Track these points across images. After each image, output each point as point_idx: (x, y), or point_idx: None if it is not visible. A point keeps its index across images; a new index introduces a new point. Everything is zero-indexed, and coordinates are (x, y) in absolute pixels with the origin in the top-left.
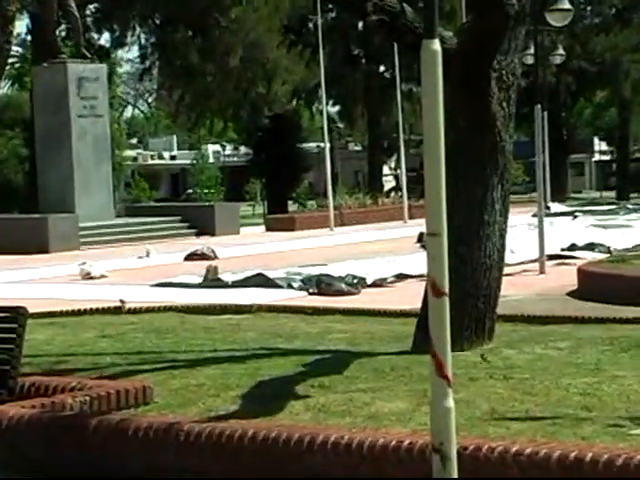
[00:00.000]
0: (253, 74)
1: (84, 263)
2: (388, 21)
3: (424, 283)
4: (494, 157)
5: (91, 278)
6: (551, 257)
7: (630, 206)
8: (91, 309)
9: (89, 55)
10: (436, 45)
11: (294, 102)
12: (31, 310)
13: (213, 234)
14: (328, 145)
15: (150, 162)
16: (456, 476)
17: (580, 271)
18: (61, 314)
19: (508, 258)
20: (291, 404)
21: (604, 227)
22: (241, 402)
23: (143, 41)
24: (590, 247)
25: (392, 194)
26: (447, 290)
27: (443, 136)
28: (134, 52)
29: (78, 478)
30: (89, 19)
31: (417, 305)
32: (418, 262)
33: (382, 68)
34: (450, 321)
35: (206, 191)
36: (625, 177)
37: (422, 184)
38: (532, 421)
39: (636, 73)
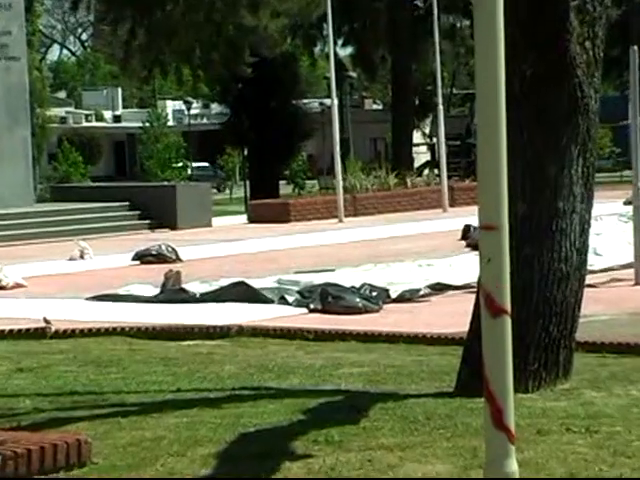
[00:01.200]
0: (232, 1)
1: None
2: None
3: (473, 297)
4: (573, 119)
5: (1, 288)
6: None
7: None
8: (2, 332)
9: None
10: None
11: (289, 42)
12: None
13: (174, 227)
14: (336, 102)
15: (85, 125)
16: None
17: None
18: None
19: (591, 262)
20: (286, 466)
21: None
22: (215, 463)
23: None
24: None
25: (426, 172)
26: (509, 307)
27: (503, 91)
28: None
29: None
30: None
31: (462, 328)
32: (463, 267)
33: None
34: (512, 350)
35: (162, 166)
36: None
37: (469, 157)
38: None
39: None
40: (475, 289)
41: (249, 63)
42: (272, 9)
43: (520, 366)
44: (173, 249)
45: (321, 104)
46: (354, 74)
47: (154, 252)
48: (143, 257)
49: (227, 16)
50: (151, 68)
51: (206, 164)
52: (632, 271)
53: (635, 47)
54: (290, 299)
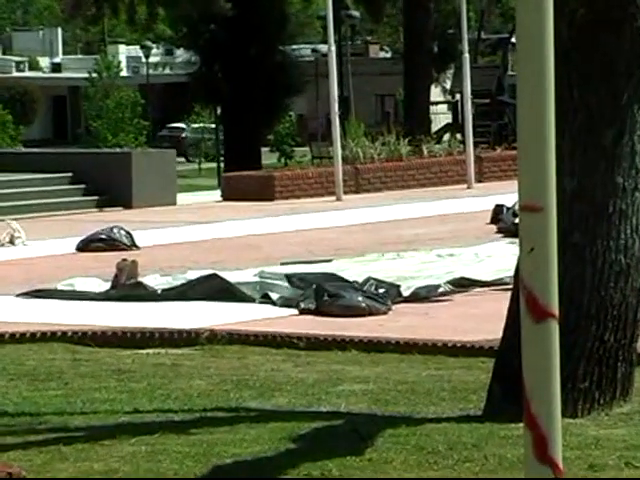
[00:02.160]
0: None
1: None
2: None
3: (506, 296)
4: (637, 73)
5: None
6: None
7: None
8: None
9: None
10: None
11: None
12: None
13: (129, 205)
14: (334, 49)
15: (15, 75)
16: None
17: None
18: None
19: None
20: None
21: None
22: None
23: None
24: None
25: (447, 137)
26: (556, 309)
27: (552, 37)
28: None
29: None
30: None
31: (494, 335)
32: (494, 258)
33: None
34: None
35: (113, 128)
36: None
37: (502, 120)
38: None
39: None
40: (510, 286)
41: None
42: None
43: (568, 384)
44: (128, 233)
45: (314, 51)
46: (356, 13)
47: (103, 237)
48: (90, 243)
49: None
50: (101, 4)
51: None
52: None
53: None
54: (275, 297)
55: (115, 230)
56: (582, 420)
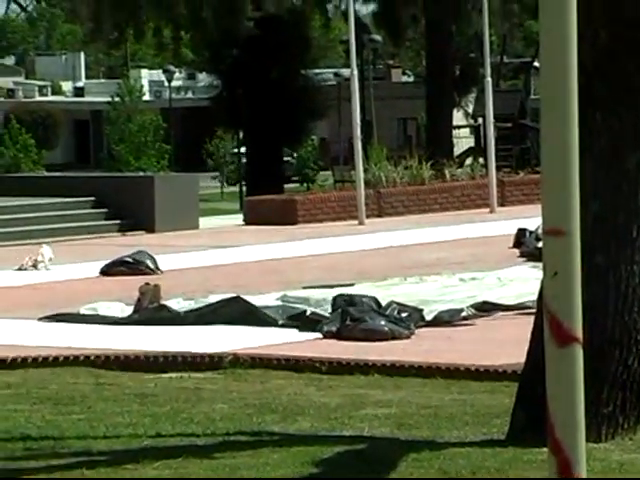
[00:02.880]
0: None
1: None
2: None
3: (529, 320)
4: None
5: None
6: None
7: None
8: None
9: None
10: None
11: None
12: None
13: (152, 229)
14: (356, 73)
15: (38, 99)
16: None
17: None
18: None
19: None
20: None
21: None
22: None
23: None
24: None
25: (469, 161)
26: (580, 334)
27: (575, 60)
28: None
29: None
30: None
31: (517, 359)
32: (517, 282)
33: None
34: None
35: (136, 152)
36: None
37: (524, 143)
38: None
39: None
40: (533, 310)
41: (253, 18)
42: None
43: (591, 408)
44: (151, 257)
45: (337, 75)
46: (378, 37)
47: (128, 260)
48: (113, 267)
49: None
50: (123, 28)
51: None
52: None
53: None
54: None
55: (138, 254)
56: (606, 445)
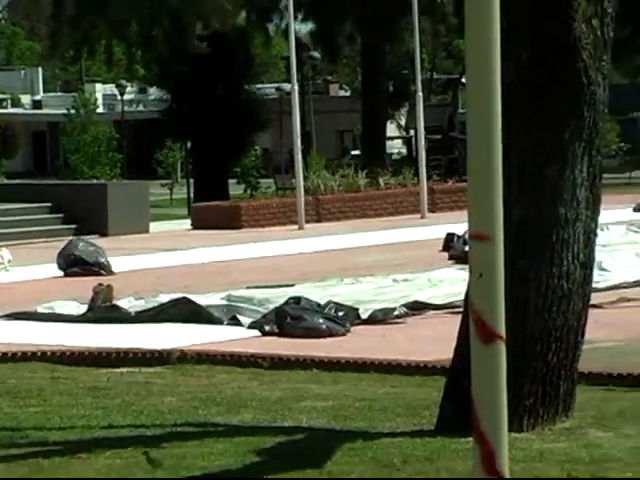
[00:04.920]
0: None
1: None
2: None
3: (457, 318)
4: (577, 111)
5: None
6: None
7: None
8: None
9: None
10: None
11: (242, 16)
12: None
13: (105, 233)
14: (296, 88)
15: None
16: None
17: None
18: None
19: (597, 279)
20: None
21: None
22: None
23: None
24: None
25: (402, 170)
26: (503, 331)
27: (499, 77)
28: None
29: None
30: None
31: (445, 355)
32: (445, 283)
33: None
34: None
35: (90, 161)
36: None
37: (452, 154)
38: None
39: None
40: (461, 309)
41: (200, 37)
42: None
43: (513, 401)
44: (104, 259)
45: (278, 89)
46: (317, 55)
47: (80, 262)
48: (68, 268)
49: None
50: (79, 46)
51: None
52: None
53: None
54: (243, 319)
55: (92, 256)
56: (527, 435)
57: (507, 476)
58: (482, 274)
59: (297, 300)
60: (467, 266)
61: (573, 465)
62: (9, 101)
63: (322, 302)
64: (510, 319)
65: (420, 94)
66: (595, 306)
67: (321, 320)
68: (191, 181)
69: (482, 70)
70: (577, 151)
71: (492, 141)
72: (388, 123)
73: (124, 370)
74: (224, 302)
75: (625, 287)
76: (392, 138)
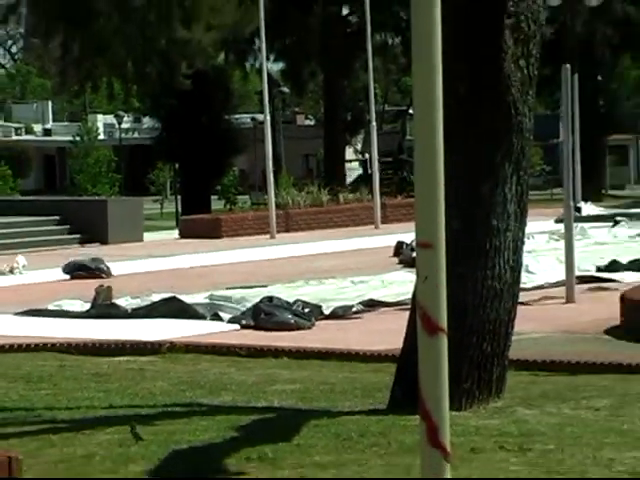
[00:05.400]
0: (165, 14)
1: None
2: None
3: (405, 314)
4: (507, 137)
5: None
6: (583, 279)
7: None
8: None
9: None
10: None
11: (222, 56)
12: None
13: (105, 241)
14: (268, 117)
15: (14, 138)
16: None
17: (624, 299)
18: None
19: (524, 280)
20: None
21: None
22: None
23: None
24: (638, 266)
25: (359, 188)
26: (445, 325)
27: (441, 108)
28: None
29: None
30: None
31: (396, 345)
32: (396, 284)
33: (345, 10)
34: None
35: (92, 180)
36: None
37: (401, 174)
38: None
39: None
40: (408, 306)
41: (185, 75)
42: (205, 23)
43: (453, 384)
44: (104, 264)
45: (253, 119)
46: (286, 89)
47: (85, 267)
48: (73, 272)
49: (160, 30)
50: (83, 82)
51: None
52: (563, 289)
53: (568, 65)
54: (223, 315)
55: (94, 261)
56: (465, 413)
57: (448, 448)
58: (427, 277)
59: (270, 299)
60: (414, 270)
61: (504, 438)
62: (23, 129)
63: (291, 300)
64: (451, 315)
65: (374, 123)
66: (523, 303)
67: (290, 316)
68: (179, 197)
69: (426, 102)
70: (507, 172)
71: (435, 163)
72: (347, 148)
73: (122, 359)
74: (207, 301)
75: (548, 287)
76: (350, 161)
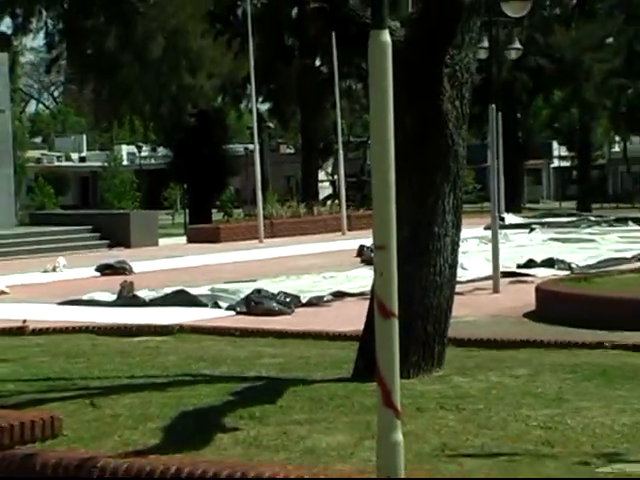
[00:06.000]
0: (175, 65)
1: None
2: (329, 9)
3: (365, 302)
4: (445, 162)
5: None
6: (506, 274)
7: (592, 218)
8: None
9: None
10: (386, 36)
11: (220, 98)
12: None
13: (128, 246)
14: (257, 147)
15: (56, 164)
16: None
17: (538, 290)
18: None
19: (460, 275)
20: (218, 437)
21: (564, 241)
22: (162, 435)
23: (50, 27)
24: (549, 264)
25: (329, 202)
26: (397, 311)
27: (393, 138)
28: (39, 40)
29: None
30: None
31: (357, 327)
32: (359, 279)
33: (318, 62)
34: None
35: (118, 198)
36: (586, 186)
37: (362, 191)
38: (488, 457)
39: (599, 72)
40: (368, 296)
41: (189, 114)
42: (207, 72)
43: (403, 358)
44: (127, 263)
45: (245, 148)
46: (271, 125)
47: (112, 266)
48: (103, 270)
49: (171, 78)
50: (110, 120)
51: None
52: (490, 282)
53: (493, 105)
54: (221, 304)
55: (119, 261)
56: (413, 381)
57: (399, 408)
58: (382, 272)
59: (258, 291)
60: (373, 267)
61: (443, 400)
62: (63, 157)
63: (275, 292)
64: (401, 302)
65: (341, 151)
66: (458, 293)
67: (274, 304)
68: (186, 210)
69: (381, 135)
70: (445, 190)
71: (388, 183)
72: (319, 171)
73: (141, 339)
74: (209, 292)
75: (478, 280)
76: (322, 181)
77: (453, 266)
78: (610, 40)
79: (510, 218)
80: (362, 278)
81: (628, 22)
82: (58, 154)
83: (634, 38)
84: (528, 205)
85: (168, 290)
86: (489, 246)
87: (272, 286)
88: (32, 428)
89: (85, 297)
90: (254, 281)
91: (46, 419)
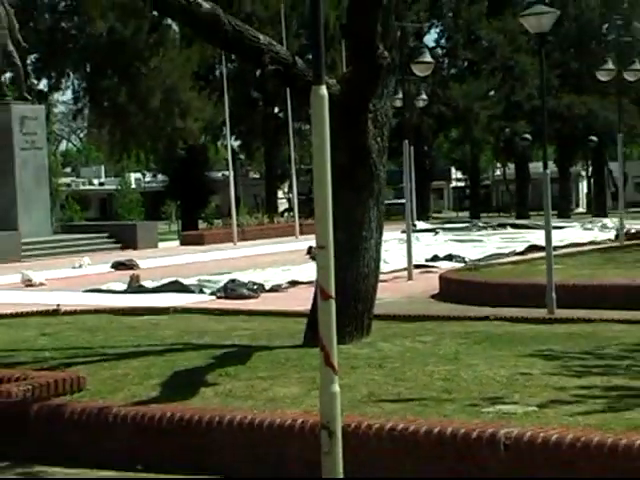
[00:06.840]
0: (170, 113)
1: (26, 272)
2: (282, 70)
3: (313, 288)
4: (370, 184)
5: (32, 285)
6: (417, 266)
7: (481, 224)
8: (32, 311)
9: (30, 97)
10: (323, 90)
11: (203, 137)
12: None
13: (135, 248)
14: (232, 173)
15: (82, 188)
16: (340, 448)
17: (441, 278)
18: (5, 316)
19: (382, 267)
20: (202, 390)
21: (460, 241)
22: (161, 389)
23: (76, 86)
24: (449, 258)
25: (285, 214)
26: (333, 294)
27: (330, 167)
28: (68, 95)
29: (22, 455)
30: (30, 67)
31: (307, 307)
32: (308, 271)
33: (277, 109)
34: (335, 319)
35: (128, 212)
36: (476, 200)
37: (311, 206)
38: (403, 402)
39: (484, 117)
40: (314, 284)
41: (181, 149)
42: (193, 117)
43: (341, 329)
44: (135, 261)
45: (222, 175)
46: (242, 156)
47: (123, 263)
48: (116, 266)
49: (166, 121)
50: (121, 154)
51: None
52: (406, 272)
53: (406, 140)
54: (206, 290)
55: (129, 259)
56: (348, 346)
57: (336, 366)
58: (323, 266)
59: (233, 280)
60: (316, 262)
61: (370, 360)
62: (87, 182)
63: (246, 281)
64: (337, 288)
65: (294, 176)
66: (382, 281)
67: (245, 290)
68: (179, 221)
69: (321, 164)
70: (371, 204)
71: (326, 199)
72: (279, 190)
73: (146, 317)
74: (196, 282)
75: (396, 271)
76: (281, 198)
77: (377, 260)
78: (492, 93)
79: (421, 224)
80: (310, 270)
81: (505, 80)
82: (83, 180)
83: (510, 92)
84: (434, 215)
85: (165, 280)
86: (404, 245)
87: (243, 277)
88: (63, 385)
89: (103, 287)
90: (230, 273)
91: (74, 378)
